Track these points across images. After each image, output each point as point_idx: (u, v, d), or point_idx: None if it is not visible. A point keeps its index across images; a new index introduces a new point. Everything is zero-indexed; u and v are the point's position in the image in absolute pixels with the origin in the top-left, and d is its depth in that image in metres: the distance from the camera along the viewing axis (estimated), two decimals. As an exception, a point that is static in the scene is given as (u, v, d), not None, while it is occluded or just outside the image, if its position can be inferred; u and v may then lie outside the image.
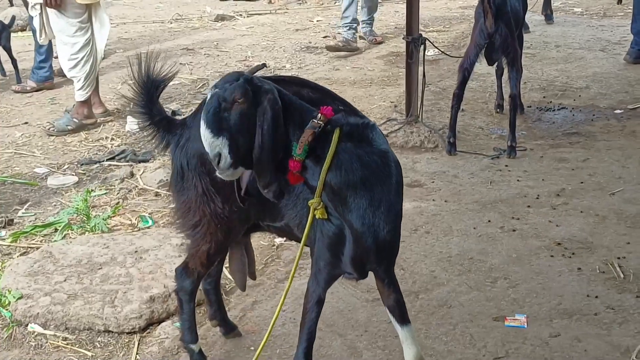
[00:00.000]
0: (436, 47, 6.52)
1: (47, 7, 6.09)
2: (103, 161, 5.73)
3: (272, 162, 2.47)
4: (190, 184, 2.91)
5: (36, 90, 7.60)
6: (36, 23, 6.36)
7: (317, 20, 11.07)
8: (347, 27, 8.83)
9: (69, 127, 6.36)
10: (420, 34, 5.96)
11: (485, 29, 5.52)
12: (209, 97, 2.45)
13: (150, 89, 2.91)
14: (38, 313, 3.57)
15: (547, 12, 10.30)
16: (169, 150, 2.96)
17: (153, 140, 2.96)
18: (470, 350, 3.37)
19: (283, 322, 3.60)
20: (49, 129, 6.36)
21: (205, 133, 2.42)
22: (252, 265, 3.32)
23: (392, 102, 6.96)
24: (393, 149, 5.91)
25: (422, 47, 5.91)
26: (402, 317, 2.86)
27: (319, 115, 2.51)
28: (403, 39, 6.03)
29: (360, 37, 9.08)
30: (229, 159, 2.42)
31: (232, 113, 2.42)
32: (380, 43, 8.95)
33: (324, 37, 9.89)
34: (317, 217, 2.59)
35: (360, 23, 9.02)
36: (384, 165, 2.56)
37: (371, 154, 2.53)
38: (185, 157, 2.90)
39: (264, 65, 2.61)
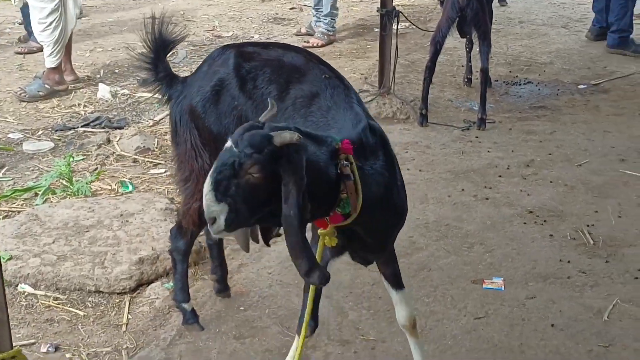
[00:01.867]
0: (409, 21, 6.64)
1: (20, -30, 6.06)
2: (78, 127, 5.73)
3: (305, 248, 2.20)
4: (182, 138, 3.02)
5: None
6: None
7: (283, -8, 11.09)
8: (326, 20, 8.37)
9: (41, 93, 6.33)
10: (394, 7, 6.06)
11: (457, 3, 5.64)
12: (225, 156, 2.16)
13: (160, 47, 3.00)
14: (28, 274, 3.62)
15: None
16: (169, 105, 3.05)
17: (156, 94, 3.07)
18: (451, 311, 3.51)
19: (270, 284, 3.71)
20: (20, 94, 6.32)
21: (207, 193, 2.14)
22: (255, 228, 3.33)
23: (362, 74, 7.05)
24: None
25: (396, 19, 6.01)
26: (397, 284, 2.92)
27: (342, 155, 2.30)
28: (377, 11, 6.12)
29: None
30: (222, 226, 2.17)
31: (243, 183, 2.14)
32: (326, 45, 8.16)
33: (291, 9, 9.93)
34: (325, 243, 2.53)
35: (321, 18, 8.26)
36: (390, 179, 2.55)
37: (379, 172, 2.48)
38: (179, 113, 3.01)
39: (273, 107, 2.37)
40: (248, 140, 2.14)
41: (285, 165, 2.13)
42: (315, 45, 8.07)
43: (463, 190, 4.75)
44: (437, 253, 4.02)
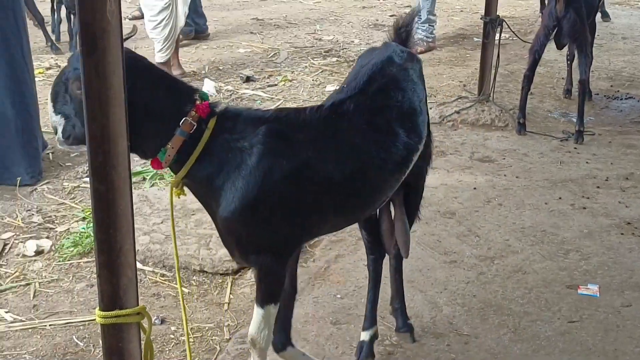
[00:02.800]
0: (512, 30, 6.65)
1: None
2: (184, 119, 5.94)
3: None
4: None
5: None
6: None
7: (384, -1, 11.22)
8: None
9: (149, 85, 6.59)
10: (498, 15, 6.10)
11: (554, 12, 5.67)
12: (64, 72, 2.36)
13: (401, 30, 3.33)
14: (138, 250, 3.78)
15: (603, 10, 10.27)
16: None
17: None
18: (545, 313, 3.54)
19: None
20: (130, 86, 6.60)
21: (49, 103, 2.38)
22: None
23: (460, 82, 7.10)
24: (464, 126, 6.04)
25: (499, 28, 6.05)
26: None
27: (193, 113, 2.36)
28: (481, 19, 6.16)
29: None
30: (61, 138, 2.38)
31: (73, 97, 2.32)
32: (426, 51, 8.18)
33: (390, 16, 10.02)
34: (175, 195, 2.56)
35: (419, 25, 8.14)
36: (253, 156, 2.42)
37: (242, 149, 2.41)
38: None
39: (134, 30, 2.57)
40: (76, 58, 2.29)
41: None
42: (414, 51, 8.11)
43: (560, 198, 4.75)
44: (532, 257, 4.04)
